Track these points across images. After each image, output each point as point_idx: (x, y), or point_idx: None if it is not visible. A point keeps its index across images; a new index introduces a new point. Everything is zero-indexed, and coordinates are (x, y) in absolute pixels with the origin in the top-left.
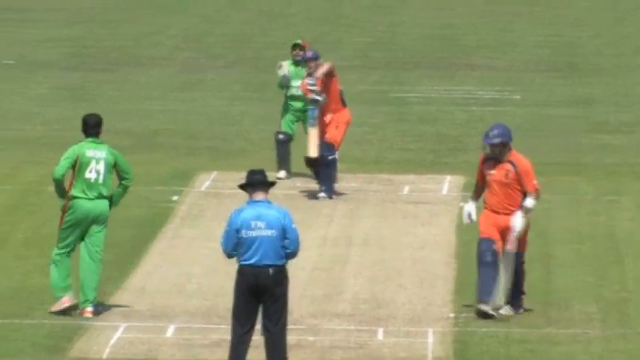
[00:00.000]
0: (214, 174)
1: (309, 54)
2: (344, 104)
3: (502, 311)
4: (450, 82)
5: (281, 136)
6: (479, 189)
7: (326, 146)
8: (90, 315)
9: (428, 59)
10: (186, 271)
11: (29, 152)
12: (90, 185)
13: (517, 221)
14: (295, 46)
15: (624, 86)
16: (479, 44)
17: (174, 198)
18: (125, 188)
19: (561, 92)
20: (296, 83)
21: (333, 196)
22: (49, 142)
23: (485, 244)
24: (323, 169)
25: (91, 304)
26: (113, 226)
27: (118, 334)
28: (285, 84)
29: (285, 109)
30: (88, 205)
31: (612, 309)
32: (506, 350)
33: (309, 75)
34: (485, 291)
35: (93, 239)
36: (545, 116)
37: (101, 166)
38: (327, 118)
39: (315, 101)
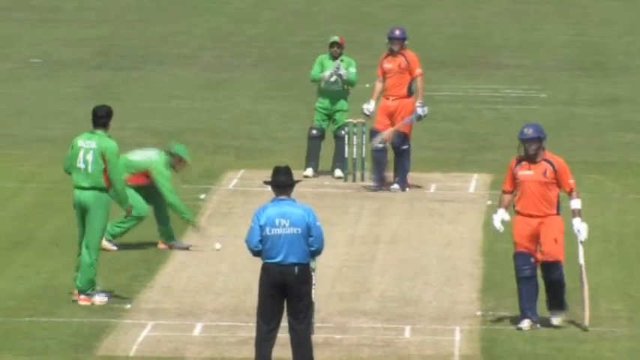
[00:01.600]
0: (241, 172)
1: (396, 32)
2: (410, 93)
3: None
4: (476, 80)
5: (314, 132)
6: (506, 198)
7: (399, 137)
8: (79, 300)
9: (454, 58)
10: (214, 269)
11: (57, 150)
12: (80, 175)
13: (581, 229)
14: (333, 44)
15: None
16: (505, 43)
17: (202, 196)
18: (112, 186)
19: (587, 91)
20: (330, 80)
21: (407, 189)
22: None
23: (521, 258)
24: (397, 160)
25: (81, 292)
26: (141, 223)
27: (146, 332)
28: (326, 80)
29: (317, 104)
30: (76, 193)
31: (639, 307)
32: (532, 348)
33: (388, 56)
34: (527, 307)
35: (87, 229)
36: (571, 115)
37: (90, 157)
38: (390, 101)
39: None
